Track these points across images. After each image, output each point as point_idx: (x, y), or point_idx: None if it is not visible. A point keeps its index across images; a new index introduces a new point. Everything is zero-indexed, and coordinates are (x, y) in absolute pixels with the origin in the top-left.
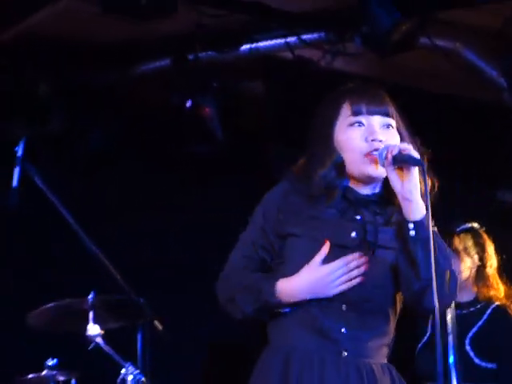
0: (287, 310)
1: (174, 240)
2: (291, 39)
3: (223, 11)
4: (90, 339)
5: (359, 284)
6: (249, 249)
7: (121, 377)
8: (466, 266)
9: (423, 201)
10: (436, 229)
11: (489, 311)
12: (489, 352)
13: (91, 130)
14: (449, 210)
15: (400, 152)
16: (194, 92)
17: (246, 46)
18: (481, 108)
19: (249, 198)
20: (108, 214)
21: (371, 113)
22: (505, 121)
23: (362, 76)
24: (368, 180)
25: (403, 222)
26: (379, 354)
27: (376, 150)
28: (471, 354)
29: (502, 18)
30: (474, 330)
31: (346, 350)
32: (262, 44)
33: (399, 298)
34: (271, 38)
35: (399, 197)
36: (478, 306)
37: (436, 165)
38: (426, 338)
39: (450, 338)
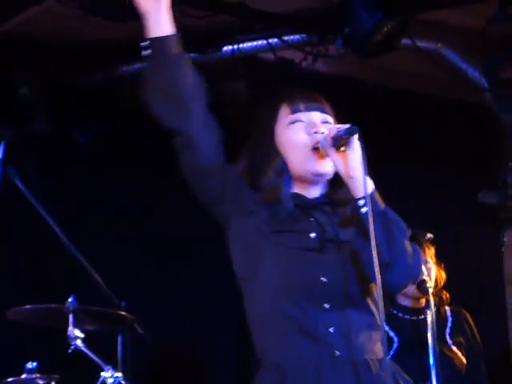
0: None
1: (159, 243)
2: (273, 41)
3: (206, 12)
4: (70, 342)
5: (336, 281)
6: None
7: (101, 379)
8: (436, 273)
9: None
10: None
11: (449, 314)
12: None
13: (77, 131)
14: (429, 212)
15: (337, 131)
16: None
17: (228, 47)
18: (463, 109)
19: None
20: (95, 216)
21: (310, 109)
22: (486, 121)
23: (343, 77)
24: (315, 179)
25: (354, 202)
26: (374, 350)
27: (319, 142)
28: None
29: (484, 18)
30: (448, 330)
31: (338, 350)
32: (244, 45)
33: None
34: (254, 40)
35: (345, 178)
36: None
37: (416, 166)
38: (396, 344)
39: (430, 340)
